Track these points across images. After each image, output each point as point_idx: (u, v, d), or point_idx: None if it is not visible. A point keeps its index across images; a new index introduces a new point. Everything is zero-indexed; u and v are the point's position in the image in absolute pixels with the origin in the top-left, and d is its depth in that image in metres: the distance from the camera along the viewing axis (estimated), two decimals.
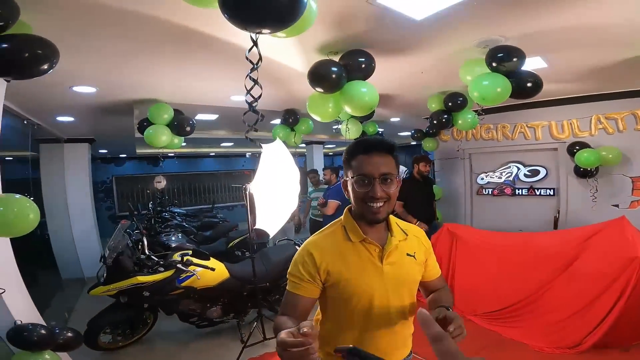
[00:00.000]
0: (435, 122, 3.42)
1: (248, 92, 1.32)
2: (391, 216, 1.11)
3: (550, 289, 3.04)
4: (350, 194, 1.07)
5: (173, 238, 4.22)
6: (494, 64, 2.06)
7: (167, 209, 6.66)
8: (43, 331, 1.92)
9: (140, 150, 8.62)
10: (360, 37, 2.01)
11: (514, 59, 2.00)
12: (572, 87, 3.39)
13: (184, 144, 8.26)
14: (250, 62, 1.26)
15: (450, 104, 3.20)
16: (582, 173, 3.65)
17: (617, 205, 3.57)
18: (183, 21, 1.72)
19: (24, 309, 2.01)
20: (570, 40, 2.07)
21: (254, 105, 1.36)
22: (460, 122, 3.32)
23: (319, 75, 1.98)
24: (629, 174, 3.49)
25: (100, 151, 7.78)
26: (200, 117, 4.42)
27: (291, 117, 4.04)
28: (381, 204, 1.01)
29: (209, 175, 10.95)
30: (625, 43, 2.12)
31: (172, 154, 9.45)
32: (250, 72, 1.28)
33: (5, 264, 1.97)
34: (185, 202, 10.10)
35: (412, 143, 9.27)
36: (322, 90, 2.06)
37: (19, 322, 1.90)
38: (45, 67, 1.44)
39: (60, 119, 3.97)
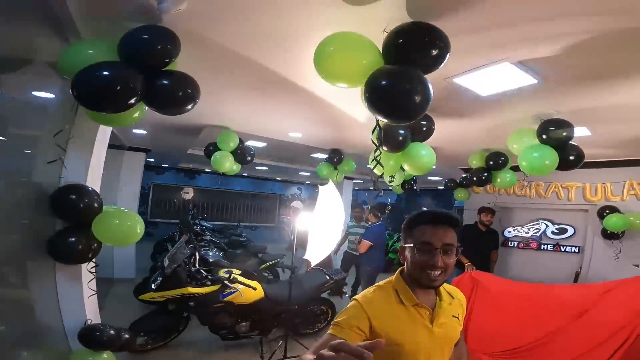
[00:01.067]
0: (475, 178, 3.61)
1: (372, 173, 1.55)
2: None
3: (563, 332, 3.11)
4: (407, 260, 1.09)
5: (210, 253, 4.43)
6: (544, 136, 2.24)
7: (197, 222, 6.85)
8: (112, 332, 1.97)
9: (182, 164, 9.15)
10: None
11: (564, 133, 2.18)
12: (610, 152, 3.51)
13: None
14: (375, 143, 1.51)
15: (491, 162, 3.39)
16: (609, 235, 3.74)
17: (637, 265, 3.62)
18: (274, 67, 1.93)
19: (93, 310, 2.12)
20: (617, 114, 2.25)
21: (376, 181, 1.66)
22: (499, 180, 3.51)
23: (387, 136, 2.15)
24: None
25: (148, 159, 8.30)
26: (250, 143, 4.79)
27: (336, 157, 4.33)
28: (439, 273, 1.04)
29: (237, 194, 11.28)
30: None
31: (210, 170, 9.88)
32: (375, 154, 1.53)
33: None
34: (212, 217, 10.38)
35: (440, 187, 9.42)
36: (387, 150, 2.25)
37: (89, 322, 1.99)
38: (190, 107, 1.52)
39: (136, 131, 4.36)
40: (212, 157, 3.46)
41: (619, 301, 2.97)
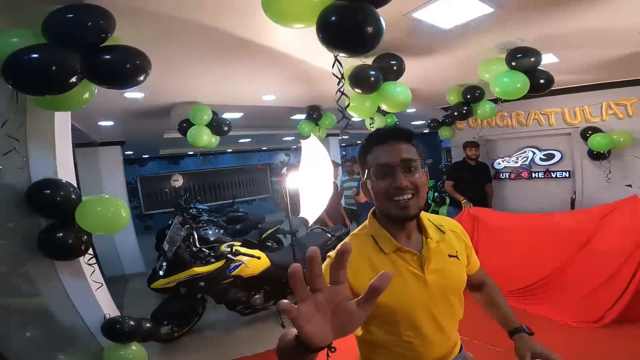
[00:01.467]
0: (455, 113, 3.62)
1: (340, 106, 1.59)
2: (422, 212, 0.96)
3: (570, 266, 3.19)
4: (371, 194, 0.91)
5: (210, 232, 4.46)
6: (513, 63, 2.30)
7: (192, 205, 6.87)
8: (132, 322, 2.03)
9: (163, 151, 9.00)
10: (392, 43, 2.25)
11: (532, 59, 2.25)
12: (583, 77, 3.57)
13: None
14: (336, 76, 1.54)
15: (469, 96, 3.42)
16: (596, 156, 3.84)
17: (630, 185, 3.75)
18: (229, 29, 1.88)
19: (108, 304, 2.18)
20: (583, 40, 2.27)
21: (345, 111, 1.68)
22: (479, 112, 3.54)
23: (359, 78, 2.21)
24: None
25: (126, 153, 8.14)
26: (226, 115, 4.68)
27: (315, 113, 4.29)
28: (409, 196, 0.85)
29: (227, 172, 11.23)
30: (629, 42, 2.31)
31: (192, 152, 9.76)
32: (339, 87, 1.56)
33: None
34: (206, 198, 10.39)
35: (425, 131, 9.44)
36: (361, 92, 2.30)
37: (107, 316, 2.05)
38: (142, 78, 1.47)
39: (101, 123, 4.23)
40: (188, 134, 3.38)
41: (620, 226, 3.04)
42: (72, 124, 4.02)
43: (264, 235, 4.77)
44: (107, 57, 1.34)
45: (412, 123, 8.03)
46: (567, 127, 4.15)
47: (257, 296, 3.32)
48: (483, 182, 4.41)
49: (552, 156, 4.39)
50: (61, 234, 1.77)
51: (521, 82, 2.32)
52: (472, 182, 4.26)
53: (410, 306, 0.88)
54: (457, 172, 4.38)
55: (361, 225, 1.01)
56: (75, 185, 1.90)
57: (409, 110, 5.53)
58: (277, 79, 3.08)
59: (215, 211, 7.25)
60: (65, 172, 1.92)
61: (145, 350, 2.20)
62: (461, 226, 1.10)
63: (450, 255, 0.95)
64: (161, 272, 3.03)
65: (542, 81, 2.41)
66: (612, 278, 2.88)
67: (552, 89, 3.98)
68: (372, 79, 2.21)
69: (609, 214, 3.19)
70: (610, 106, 3.80)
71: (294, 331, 0.59)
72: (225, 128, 3.62)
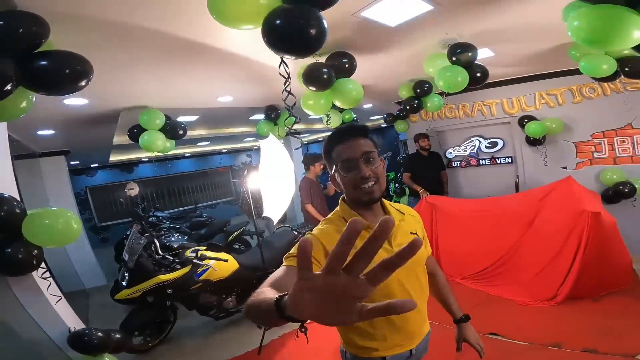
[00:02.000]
0: (407, 107, 3.81)
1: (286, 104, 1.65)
2: (384, 199, 1.12)
3: (520, 247, 3.41)
4: (340, 184, 1.06)
5: (173, 239, 4.33)
6: (453, 58, 2.48)
7: (152, 213, 6.56)
8: (100, 334, 2.00)
9: (113, 158, 8.48)
10: (342, 41, 2.34)
11: (469, 54, 2.44)
12: (517, 69, 3.91)
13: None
14: (283, 76, 1.59)
15: (418, 90, 3.61)
16: (532, 142, 4.21)
17: (565, 167, 4.15)
18: (175, 32, 1.86)
19: (71, 317, 2.13)
20: (512, 35, 2.50)
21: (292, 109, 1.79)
22: (429, 104, 3.75)
23: (313, 76, 2.27)
24: (572, 140, 4.08)
25: (71, 163, 7.58)
26: (181, 119, 4.54)
27: (273, 113, 4.29)
28: (372, 183, 1.00)
29: (186, 176, 10.87)
30: (555, 35, 2.57)
31: (147, 159, 9.31)
32: (285, 86, 1.62)
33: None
34: (167, 205, 9.98)
35: (383, 125, 9.77)
36: (314, 89, 2.36)
37: (72, 329, 2.00)
38: (83, 83, 1.44)
39: (40, 132, 3.93)
40: (140, 140, 3.23)
41: (558, 204, 3.26)
42: (11, 135, 3.75)
43: (230, 238, 4.70)
44: (43, 62, 1.31)
45: (371, 118, 8.28)
46: (506, 116, 4.52)
47: (229, 299, 3.29)
48: (437, 170, 4.68)
49: (495, 144, 4.76)
50: (9, 250, 1.70)
51: (461, 76, 2.51)
52: (427, 172, 4.52)
53: None
54: (412, 164, 4.63)
55: (332, 212, 1.13)
56: (18, 198, 1.80)
57: (365, 106, 5.71)
58: (231, 80, 3.06)
59: (177, 218, 6.99)
60: (7, 187, 1.81)
61: None
62: (417, 213, 1.26)
63: (411, 233, 1.12)
64: (124, 283, 2.93)
65: (478, 74, 2.62)
66: (558, 256, 3.10)
67: (492, 81, 4.38)
68: (325, 76, 2.27)
69: (548, 195, 3.46)
70: (543, 96, 4.19)
71: (268, 292, 0.64)
72: (181, 132, 3.52)
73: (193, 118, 4.67)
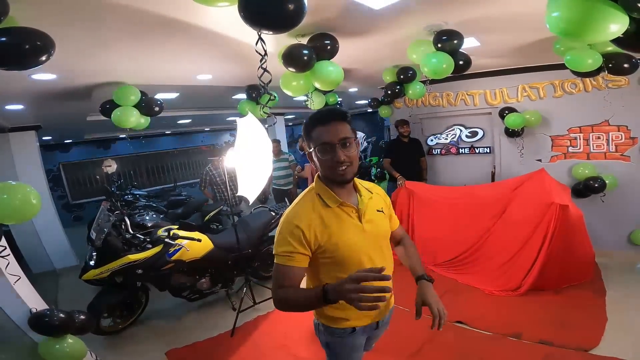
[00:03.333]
0: (389, 92, 3.78)
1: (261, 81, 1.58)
2: (355, 179, 1.22)
3: (490, 235, 3.50)
4: (316, 163, 1.15)
5: (147, 217, 4.22)
6: (439, 45, 2.44)
7: (128, 191, 6.52)
8: (62, 315, 1.97)
9: (89, 136, 8.15)
10: (326, 23, 2.25)
11: (455, 41, 2.40)
12: (502, 61, 3.90)
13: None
14: (259, 53, 1.54)
15: (402, 76, 3.56)
16: (511, 133, 4.28)
17: (540, 160, 4.24)
18: (151, 7, 1.77)
19: (33, 297, 2.06)
20: (499, 25, 2.47)
21: (267, 87, 1.76)
22: (410, 91, 3.72)
23: (292, 57, 2.20)
24: (549, 133, 4.16)
25: (43, 138, 7.23)
26: (160, 96, 4.38)
27: (254, 92, 4.17)
28: (346, 166, 1.10)
29: (167, 155, 10.58)
30: (540, 25, 2.56)
31: (124, 136, 9.00)
32: (261, 63, 1.57)
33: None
34: (146, 183, 9.73)
35: (369, 110, 9.72)
36: (294, 70, 2.29)
37: (34, 310, 1.95)
38: (44, 58, 1.45)
39: (9, 107, 3.72)
40: (112, 115, 3.10)
41: (529, 196, 3.32)
42: None
43: (207, 218, 4.65)
44: (2, 39, 1.31)
45: (356, 102, 8.21)
46: (488, 107, 4.56)
47: (202, 280, 3.24)
48: (417, 156, 4.75)
49: (476, 133, 4.82)
50: None
51: (447, 63, 2.48)
52: (407, 158, 4.59)
53: (354, 250, 1.13)
54: (393, 150, 4.68)
55: (308, 188, 1.22)
56: None
57: (350, 90, 5.64)
58: (211, 58, 2.93)
59: (155, 196, 6.91)
60: None
61: (83, 343, 2.14)
62: (383, 191, 1.37)
63: (378, 210, 1.24)
64: (92, 263, 2.83)
65: (461, 62, 2.60)
66: (524, 247, 3.19)
67: (477, 72, 4.40)
68: (305, 57, 2.21)
69: (521, 185, 3.54)
70: (525, 89, 4.22)
71: (297, 291, 1.07)
72: (156, 108, 3.40)
73: (172, 96, 4.50)
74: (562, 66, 3.83)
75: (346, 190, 1.18)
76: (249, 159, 2.26)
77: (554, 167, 4.07)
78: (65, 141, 8.59)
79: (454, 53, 2.51)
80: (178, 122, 7.96)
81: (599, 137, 3.87)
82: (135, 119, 3.21)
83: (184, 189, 8.68)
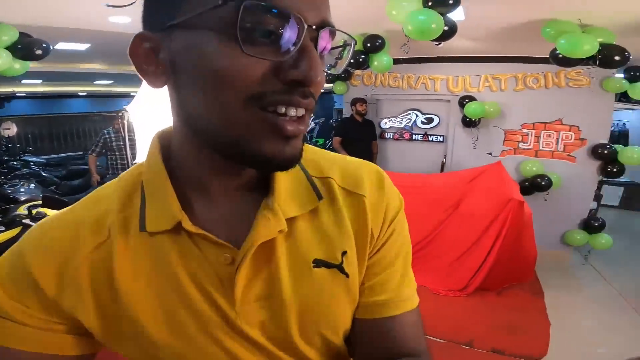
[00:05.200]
0: (352, 60, 3.30)
1: None
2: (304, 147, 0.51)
3: (443, 229, 3.33)
4: (198, 85, 0.37)
5: (22, 189, 3.47)
6: (429, 3, 2.06)
7: (18, 157, 5.65)
8: None
9: None
10: None
11: (450, 1, 2.04)
12: (475, 45, 3.65)
13: (39, 80, 6.43)
14: None
15: (369, 44, 3.16)
16: (468, 123, 4.14)
17: (490, 153, 4.19)
18: None
19: None
20: None
21: None
22: (376, 63, 3.33)
23: None
24: (503, 127, 4.11)
25: None
26: (63, 46, 3.36)
27: None
28: (302, 113, 0.37)
29: (79, 118, 9.08)
30: (535, 3, 2.28)
31: (23, 94, 7.34)
32: None
33: None
34: (46, 149, 8.24)
35: (322, 91, 9.20)
36: None
37: None
38: None
39: None
40: None
41: (485, 190, 3.19)
42: None
43: None
44: None
45: None
46: (448, 94, 4.36)
47: None
48: (369, 139, 4.48)
49: (431, 120, 4.61)
50: None
51: (436, 22, 2.11)
52: (359, 139, 4.32)
53: None
54: (345, 129, 4.40)
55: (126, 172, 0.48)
56: None
57: None
58: None
59: (54, 164, 6.08)
60: None
61: None
62: (394, 190, 0.56)
63: (317, 262, 0.44)
64: None
65: (446, 28, 2.23)
66: (476, 244, 3.07)
67: (442, 56, 4.14)
68: None
69: (476, 177, 3.41)
70: (488, 79, 4.09)
71: None
72: (39, 51, 2.58)
73: (82, 47, 3.52)
74: (529, 59, 3.75)
75: (240, 181, 0.44)
76: (153, 117, 1.61)
77: (503, 161, 3.98)
78: None
79: (443, 16, 2.13)
80: (95, 82, 6.67)
81: (549, 135, 3.88)
82: (3, 62, 2.38)
83: (98, 159, 7.42)
